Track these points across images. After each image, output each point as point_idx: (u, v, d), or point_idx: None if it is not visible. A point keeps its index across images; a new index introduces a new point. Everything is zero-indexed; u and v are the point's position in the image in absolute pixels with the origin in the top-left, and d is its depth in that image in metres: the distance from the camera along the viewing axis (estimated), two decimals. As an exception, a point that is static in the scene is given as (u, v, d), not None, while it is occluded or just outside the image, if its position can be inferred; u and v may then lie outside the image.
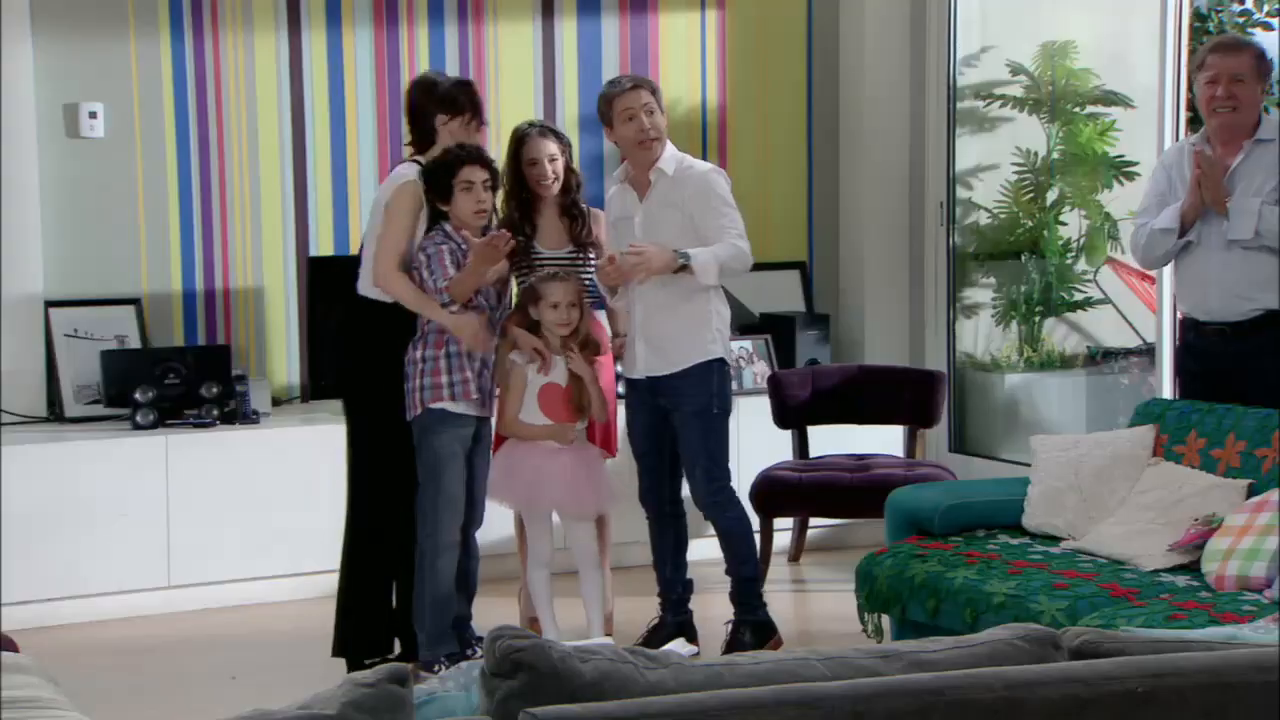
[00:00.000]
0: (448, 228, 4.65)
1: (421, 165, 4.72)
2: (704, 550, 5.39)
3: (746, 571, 4.93)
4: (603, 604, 4.93)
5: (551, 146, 5.02)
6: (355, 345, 4.75)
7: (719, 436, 4.85)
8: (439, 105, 4.74)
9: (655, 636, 4.87)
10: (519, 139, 5.04)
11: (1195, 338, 4.77)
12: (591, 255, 5.02)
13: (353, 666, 4.68)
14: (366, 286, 4.70)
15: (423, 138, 4.77)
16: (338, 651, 4.73)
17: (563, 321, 4.78)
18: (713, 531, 5.01)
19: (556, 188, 5.02)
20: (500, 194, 4.92)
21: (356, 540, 4.74)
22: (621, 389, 5.09)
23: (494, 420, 4.86)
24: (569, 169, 5.06)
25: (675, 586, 5.00)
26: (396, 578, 4.80)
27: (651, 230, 4.80)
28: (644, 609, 5.17)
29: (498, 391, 4.84)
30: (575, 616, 4.91)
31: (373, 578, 4.75)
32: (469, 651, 4.70)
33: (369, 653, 4.71)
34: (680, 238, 4.76)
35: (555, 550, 4.93)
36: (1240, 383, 4.61)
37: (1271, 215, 4.56)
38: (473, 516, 4.79)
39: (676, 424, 4.84)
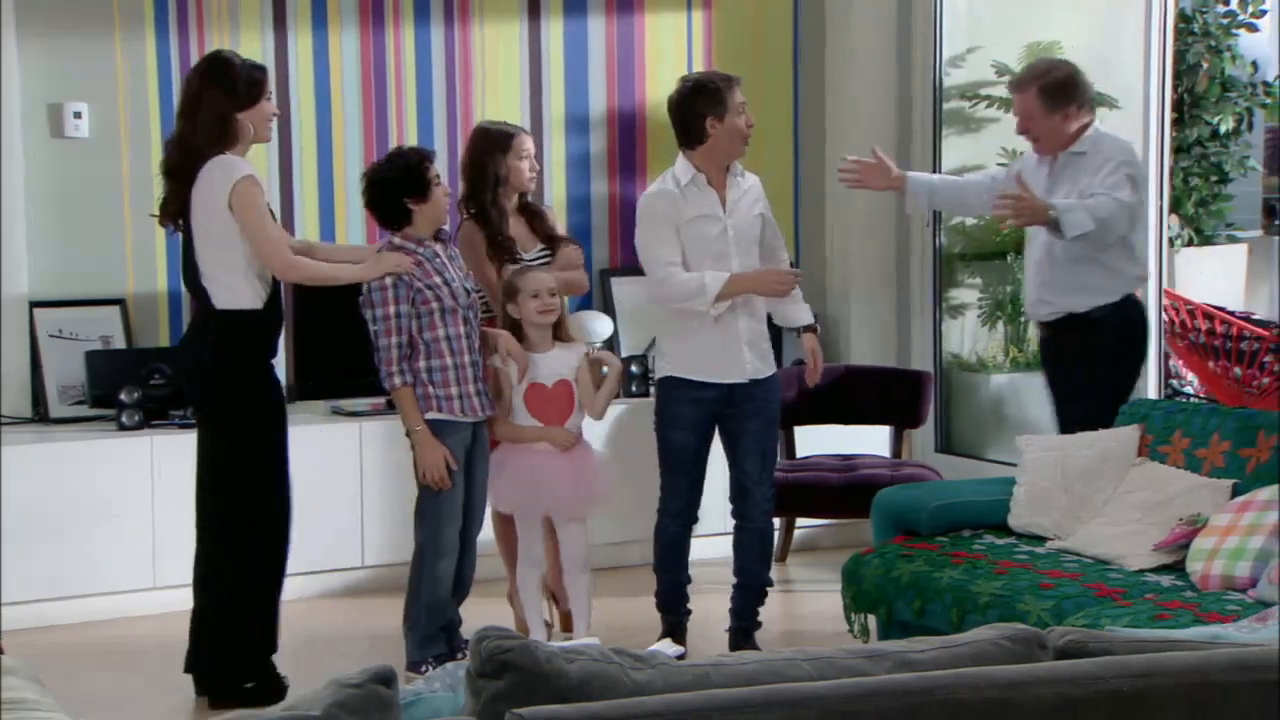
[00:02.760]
0: (397, 239, 4.62)
1: (374, 174, 4.67)
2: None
3: (768, 579, 4.95)
4: (589, 605, 4.93)
5: (532, 144, 5.07)
6: (214, 359, 4.45)
7: None
8: (238, 93, 4.40)
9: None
10: (507, 136, 5.03)
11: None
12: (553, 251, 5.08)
13: (205, 687, 4.53)
14: (228, 298, 4.40)
15: (222, 128, 4.39)
16: (189, 666, 4.56)
17: (545, 308, 4.75)
18: (703, 532, 5.02)
19: (534, 184, 5.07)
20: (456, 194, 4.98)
21: (216, 558, 4.51)
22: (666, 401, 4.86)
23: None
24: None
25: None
26: (255, 601, 4.53)
27: (743, 228, 4.80)
28: (637, 609, 5.19)
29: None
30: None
31: (231, 598, 4.50)
32: (459, 655, 4.68)
33: (226, 677, 4.50)
34: (761, 236, 4.86)
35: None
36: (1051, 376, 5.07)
37: (1103, 205, 4.75)
38: (472, 519, 4.77)
39: (754, 428, 4.78)
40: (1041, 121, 4.91)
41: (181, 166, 4.40)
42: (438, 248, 4.65)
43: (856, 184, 5.33)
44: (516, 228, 5.05)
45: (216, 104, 4.39)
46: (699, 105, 4.72)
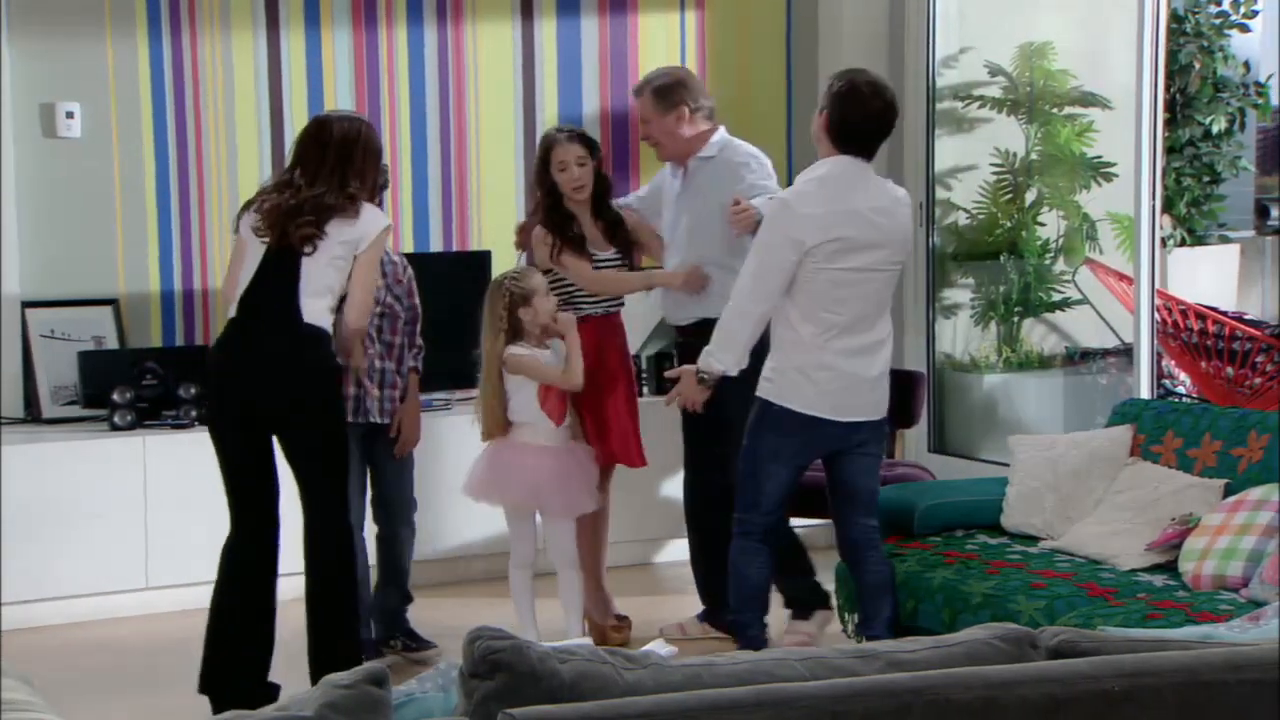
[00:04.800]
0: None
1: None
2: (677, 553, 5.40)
3: None
4: (580, 604, 4.94)
5: (579, 150, 4.99)
6: (313, 371, 4.41)
7: None
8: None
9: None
10: (548, 145, 5.02)
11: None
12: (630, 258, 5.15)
13: (220, 705, 4.37)
14: (322, 319, 4.38)
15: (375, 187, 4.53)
16: (204, 688, 4.40)
17: (555, 308, 4.85)
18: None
19: (586, 192, 5.00)
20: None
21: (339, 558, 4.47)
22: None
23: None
24: (599, 173, 5.05)
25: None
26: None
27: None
28: (631, 607, 5.19)
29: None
30: (556, 618, 4.91)
31: (351, 595, 4.48)
32: (399, 640, 4.92)
33: (239, 693, 4.32)
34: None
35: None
36: None
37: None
38: (393, 514, 4.93)
39: (866, 465, 4.53)
40: (657, 123, 5.02)
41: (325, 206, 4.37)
42: None
43: None
44: (592, 230, 5.04)
45: (375, 168, 4.51)
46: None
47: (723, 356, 4.42)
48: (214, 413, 4.44)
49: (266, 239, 4.35)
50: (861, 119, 4.36)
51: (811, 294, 4.34)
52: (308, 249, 4.31)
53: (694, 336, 4.86)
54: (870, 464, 4.53)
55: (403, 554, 5.01)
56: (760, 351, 4.48)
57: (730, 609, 4.64)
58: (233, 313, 4.40)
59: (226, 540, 4.45)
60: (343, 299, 4.39)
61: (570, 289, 4.99)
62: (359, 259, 4.37)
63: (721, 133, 5.07)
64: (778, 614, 4.88)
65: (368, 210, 4.40)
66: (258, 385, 4.33)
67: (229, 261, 4.55)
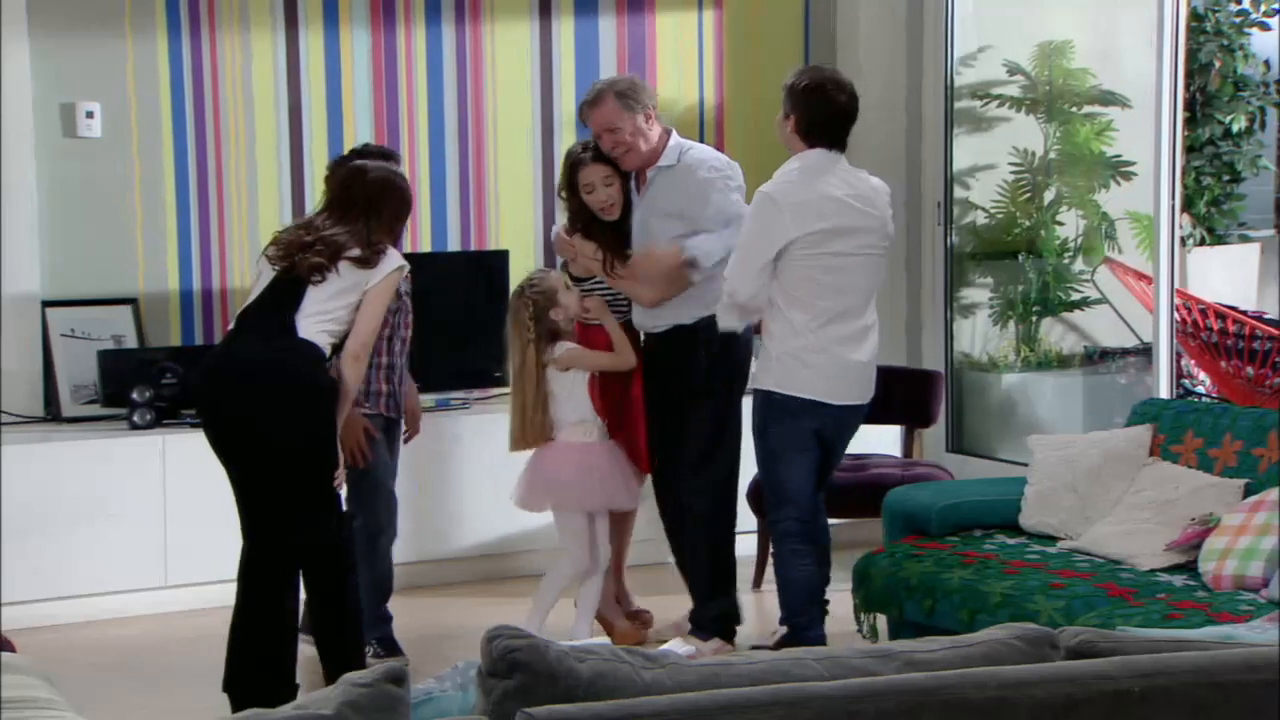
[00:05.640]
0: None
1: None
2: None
3: None
4: (595, 607, 4.94)
5: (604, 170, 4.89)
6: (295, 380, 4.35)
7: None
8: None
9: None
10: (573, 165, 4.93)
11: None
12: None
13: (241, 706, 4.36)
14: (313, 332, 4.33)
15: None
16: (227, 687, 4.39)
17: (579, 304, 4.88)
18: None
19: (616, 211, 4.91)
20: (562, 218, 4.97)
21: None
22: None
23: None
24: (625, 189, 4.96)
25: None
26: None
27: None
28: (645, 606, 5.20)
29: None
30: (559, 619, 4.92)
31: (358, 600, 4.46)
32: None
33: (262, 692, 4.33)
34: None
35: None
36: (664, 383, 4.92)
37: (707, 243, 4.78)
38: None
39: (842, 448, 4.75)
40: (630, 126, 4.80)
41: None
42: None
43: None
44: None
45: (403, 220, 4.54)
46: None
47: (729, 310, 4.62)
48: (216, 425, 4.37)
49: (278, 267, 4.37)
50: (831, 113, 4.57)
51: (801, 281, 4.51)
52: (315, 278, 4.31)
53: (667, 342, 4.90)
54: (844, 447, 4.77)
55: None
56: (724, 351, 4.74)
57: (785, 614, 4.69)
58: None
59: (243, 555, 4.44)
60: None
61: (608, 294, 4.97)
62: (369, 294, 4.35)
63: (675, 137, 4.96)
64: (772, 614, 4.88)
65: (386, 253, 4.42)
66: (237, 391, 4.29)
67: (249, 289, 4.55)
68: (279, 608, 4.39)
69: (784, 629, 4.72)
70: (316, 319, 4.31)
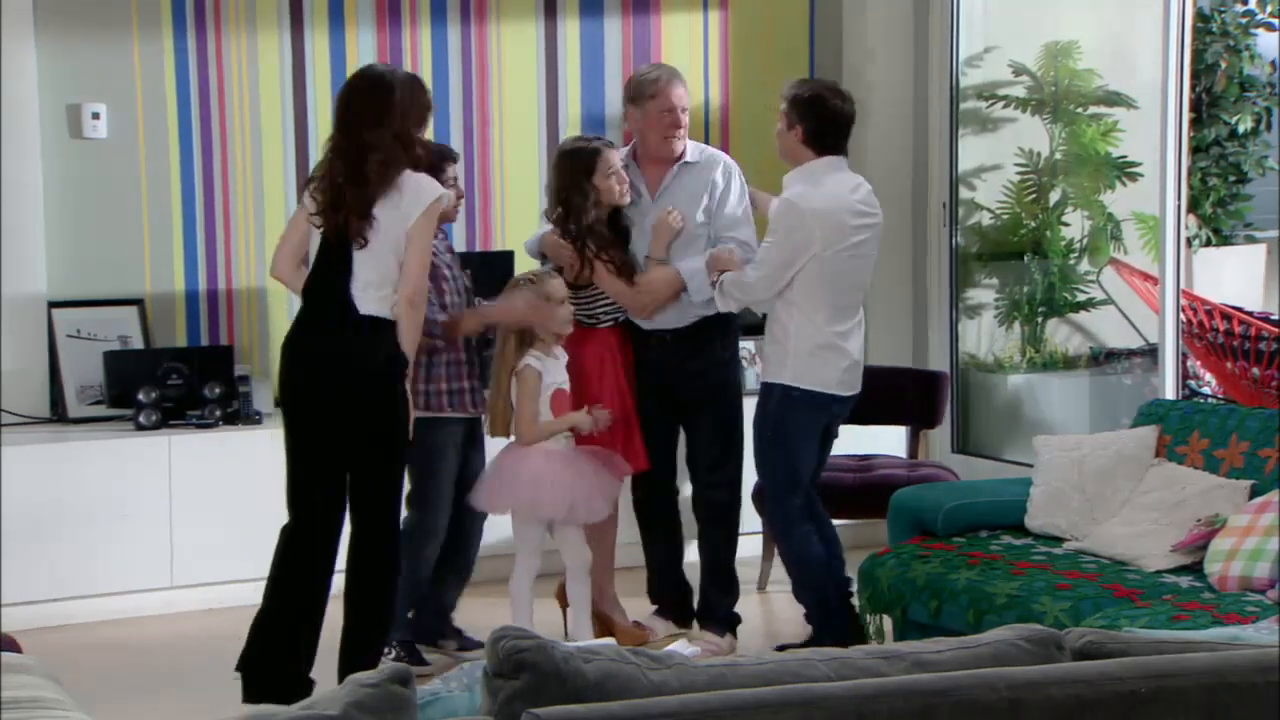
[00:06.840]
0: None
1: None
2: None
3: None
4: (589, 607, 4.93)
5: (621, 158, 4.96)
6: (363, 369, 4.33)
7: None
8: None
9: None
10: (593, 155, 4.87)
11: (643, 348, 5.00)
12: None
13: (252, 690, 4.37)
14: (373, 304, 4.29)
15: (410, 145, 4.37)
16: (241, 665, 4.40)
17: (570, 316, 4.82)
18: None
19: (629, 196, 4.96)
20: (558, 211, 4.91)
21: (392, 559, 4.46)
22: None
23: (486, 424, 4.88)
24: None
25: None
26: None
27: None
28: (636, 609, 5.19)
29: (505, 398, 4.81)
30: (552, 619, 4.94)
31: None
32: (446, 640, 4.89)
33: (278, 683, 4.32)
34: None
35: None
36: (675, 382, 5.00)
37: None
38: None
39: (831, 443, 4.94)
40: (686, 116, 4.96)
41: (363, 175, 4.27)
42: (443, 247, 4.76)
43: None
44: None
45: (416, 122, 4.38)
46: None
47: (732, 291, 4.76)
48: (282, 399, 4.43)
49: (322, 228, 4.33)
50: (838, 120, 4.74)
51: (820, 282, 4.69)
52: (359, 242, 4.26)
53: (671, 342, 4.94)
54: (837, 434, 4.98)
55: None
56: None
57: (806, 596, 4.84)
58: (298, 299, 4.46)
59: (284, 526, 4.41)
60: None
61: (598, 298, 4.95)
62: (410, 233, 4.23)
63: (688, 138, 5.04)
64: (793, 615, 4.88)
65: (410, 181, 4.26)
66: (315, 380, 4.32)
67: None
68: (307, 588, 4.38)
69: (809, 627, 4.85)
70: (373, 289, 4.25)
